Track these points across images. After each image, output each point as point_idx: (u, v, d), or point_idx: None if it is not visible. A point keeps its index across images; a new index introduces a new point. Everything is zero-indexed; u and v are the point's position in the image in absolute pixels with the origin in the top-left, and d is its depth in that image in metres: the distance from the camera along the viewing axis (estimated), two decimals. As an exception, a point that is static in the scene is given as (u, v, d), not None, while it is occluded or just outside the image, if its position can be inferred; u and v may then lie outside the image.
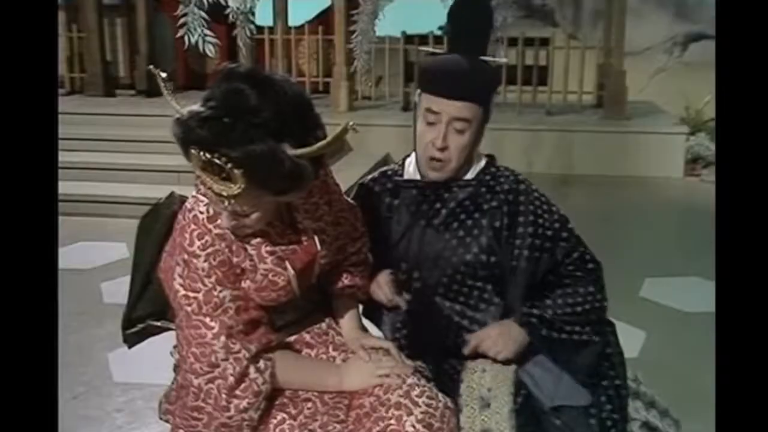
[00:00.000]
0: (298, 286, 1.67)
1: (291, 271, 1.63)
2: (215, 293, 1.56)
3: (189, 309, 1.56)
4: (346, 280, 1.84)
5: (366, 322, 1.92)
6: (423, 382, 1.66)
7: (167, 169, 5.52)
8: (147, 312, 1.87)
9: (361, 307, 1.92)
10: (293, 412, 1.62)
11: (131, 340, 1.90)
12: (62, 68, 8.42)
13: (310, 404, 1.64)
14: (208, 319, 1.55)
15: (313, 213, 1.70)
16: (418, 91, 1.88)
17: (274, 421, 1.60)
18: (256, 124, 1.37)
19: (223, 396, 1.54)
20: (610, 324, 1.93)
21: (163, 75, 1.57)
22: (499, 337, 1.81)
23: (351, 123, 1.40)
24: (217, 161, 1.37)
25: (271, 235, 1.63)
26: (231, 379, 1.54)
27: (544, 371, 1.82)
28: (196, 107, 1.40)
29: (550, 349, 1.82)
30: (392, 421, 1.55)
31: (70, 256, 4.77)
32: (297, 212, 1.68)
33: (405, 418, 1.55)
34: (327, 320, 1.82)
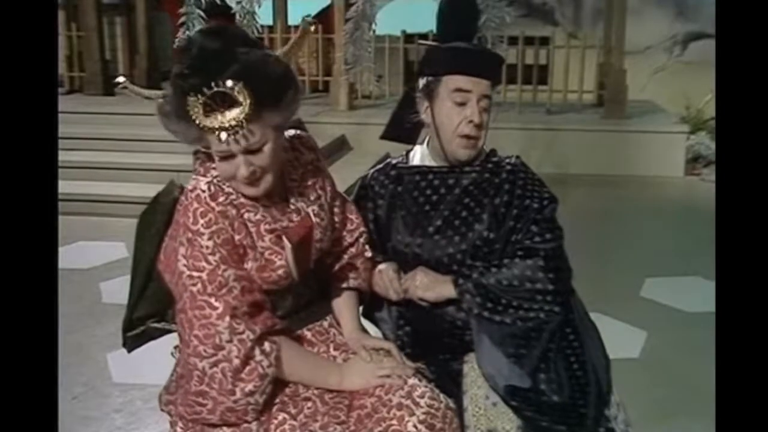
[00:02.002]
0: (296, 266, 1.65)
1: (288, 245, 1.63)
2: (219, 272, 1.55)
3: (194, 289, 1.55)
4: (346, 265, 1.85)
5: (365, 323, 1.92)
6: (424, 383, 1.66)
7: (167, 168, 5.50)
8: (148, 312, 1.85)
9: (361, 308, 1.92)
10: (293, 411, 1.62)
11: (131, 344, 1.88)
12: (61, 67, 8.40)
13: (310, 404, 1.63)
14: (213, 299, 1.54)
15: (308, 197, 1.72)
16: (429, 78, 1.90)
17: (275, 422, 1.60)
18: (233, 52, 1.48)
19: (229, 379, 1.53)
20: (562, 305, 1.85)
21: (121, 79, 1.69)
22: (425, 277, 1.85)
23: (309, 16, 1.64)
24: (219, 89, 1.44)
25: (270, 211, 1.64)
26: (236, 361, 1.53)
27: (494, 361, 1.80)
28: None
29: (476, 315, 1.81)
30: (394, 422, 1.55)
31: (69, 255, 4.75)
32: (291, 195, 1.70)
33: (407, 418, 1.55)
34: (328, 318, 1.82)
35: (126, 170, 6.19)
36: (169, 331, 1.82)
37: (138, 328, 1.86)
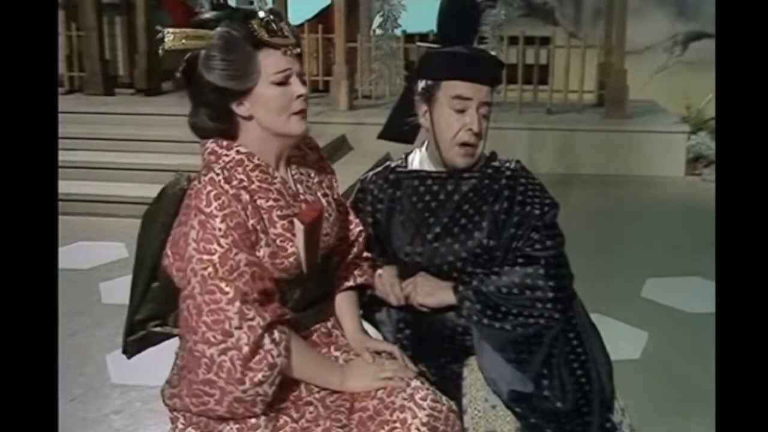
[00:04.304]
0: (305, 253, 1.65)
1: (299, 227, 1.62)
2: (231, 256, 1.54)
3: (204, 273, 1.53)
4: (350, 264, 1.86)
5: (365, 325, 1.91)
6: (427, 385, 1.65)
7: (167, 168, 5.45)
8: (150, 314, 1.81)
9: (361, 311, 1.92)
10: (295, 416, 1.61)
11: (131, 349, 1.85)
12: (61, 67, 8.39)
13: (312, 408, 1.63)
14: (223, 284, 1.52)
15: (315, 192, 1.74)
16: (429, 82, 1.88)
17: (277, 424, 1.59)
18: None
19: (238, 368, 1.51)
20: (563, 312, 1.84)
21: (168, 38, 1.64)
22: (425, 283, 1.85)
23: None
24: (274, 10, 1.64)
25: (283, 198, 1.65)
26: (245, 349, 1.51)
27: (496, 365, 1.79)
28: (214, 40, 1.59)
29: (476, 322, 1.81)
30: (397, 424, 1.55)
31: (69, 255, 4.74)
32: (300, 185, 1.72)
33: (410, 421, 1.55)
34: (332, 320, 1.82)
35: (126, 170, 6.18)
36: (170, 336, 1.79)
37: (139, 332, 1.82)
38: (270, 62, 1.60)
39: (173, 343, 1.78)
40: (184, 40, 1.57)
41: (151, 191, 1.84)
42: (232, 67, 1.57)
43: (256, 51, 1.59)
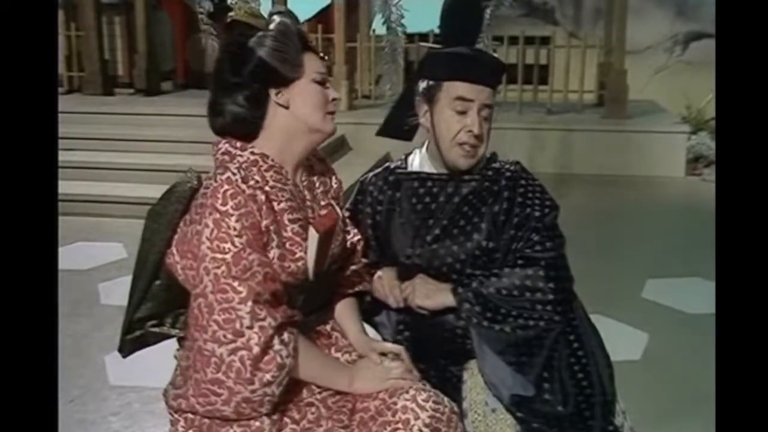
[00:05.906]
0: (314, 260, 1.65)
1: (314, 235, 1.63)
2: (244, 255, 1.54)
3: (218, 272, 1.53)
4: (350, 272, 1.86)
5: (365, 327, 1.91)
6: (429, 386, 1.66)
7: (166, 168, 5.50)
8: (150, 313, 1.79)
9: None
10: (296, 416, 1.61)
11: (127, 348, 1.83)
12: (61, 67, 8.39)
13: (313, 409, 1.63)
14: (236, 283, 1.52)
15: (319, 201, 1.75)
16: (430, 82, 1.88)
17: (279, 425, 1.58)
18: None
19: (248, 368, 1.51)
20: (563, 314, 1.82)
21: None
22: (424, 285, 1.84)
23: None
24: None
25: (295, 201, 1.65)
26: (256, 349, 1.51)
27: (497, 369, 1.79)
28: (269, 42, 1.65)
29: (475, 324, 1.80)
30: (399, 425, 1.55)
31: (68, 256, 4.72)
32: (308, 191, 1.73)
33: (412, 422, 1.55)
34: (330, 322, 1.82)
35: (125, 170, 6.18)
36: (166, 337, 1.79)
37: (136, 332, 1.81)
38: (313, 64, 1.69)
39: (171, 345, 1.77)
40: (249, 15, 1.66)
41: (151, 191, 1.84)
42: (284, 49, 1.64)
43: (303, 50, 1.68)
